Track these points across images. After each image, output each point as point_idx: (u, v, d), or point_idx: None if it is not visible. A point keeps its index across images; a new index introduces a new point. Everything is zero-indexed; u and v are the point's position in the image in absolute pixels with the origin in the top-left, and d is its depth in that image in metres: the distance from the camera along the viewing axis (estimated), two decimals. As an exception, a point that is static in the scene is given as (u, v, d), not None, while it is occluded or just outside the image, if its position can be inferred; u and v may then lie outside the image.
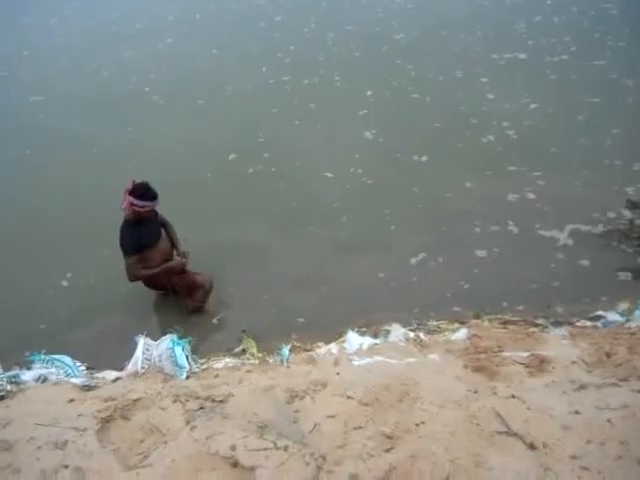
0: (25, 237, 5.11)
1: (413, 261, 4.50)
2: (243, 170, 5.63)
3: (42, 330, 4.23)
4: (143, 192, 3.84)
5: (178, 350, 3.46)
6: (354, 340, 3.58)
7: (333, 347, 3.60)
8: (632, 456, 2.14)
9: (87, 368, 3.72)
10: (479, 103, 6.10)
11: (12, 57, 8.41)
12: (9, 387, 3.27)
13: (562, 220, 4.63)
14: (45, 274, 4.73)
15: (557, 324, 3.69)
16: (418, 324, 3.87)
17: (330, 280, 4.43)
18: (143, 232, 3.95)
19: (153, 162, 5.72)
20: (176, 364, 3.41)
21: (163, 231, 4.21)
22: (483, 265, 4.39)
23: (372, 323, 3.90)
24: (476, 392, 2.71)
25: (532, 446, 2.26)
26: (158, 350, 3.52)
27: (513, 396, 2.63)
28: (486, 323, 3.76)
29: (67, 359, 3.66)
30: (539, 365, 2.99)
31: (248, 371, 3.36)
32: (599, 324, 3.66)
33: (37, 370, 3.53)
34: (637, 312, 3.66)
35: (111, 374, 3.55)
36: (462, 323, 3.78)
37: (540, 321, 3.75)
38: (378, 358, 3.26)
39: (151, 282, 4.23)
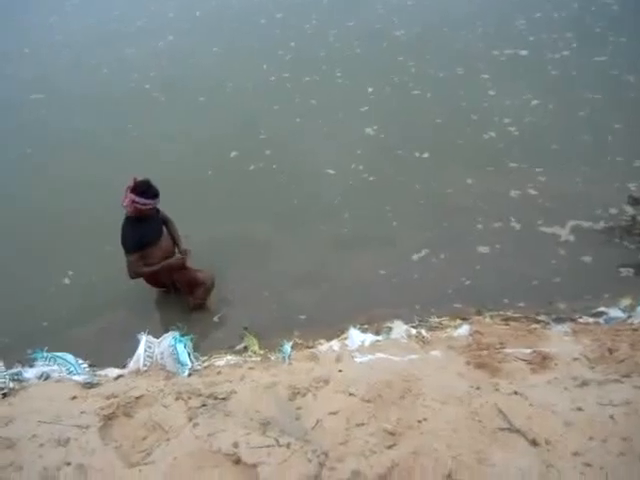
0: (26, 236, 5.11)
1: (415, 257, 4.50)
2: (244, 167, 5.63)
3: (44, 328, 4.24)
4: (145, 190, 3.84)
5: (180, 347, 3.46)
6: (356, 337, 3.58)
7: (335, 344, 3.60)
8: (635, 452, 2.13)
9: (89, 365, 3.71)
10: (480, 99, 6.08)
11: (12, 55, 8.41)
12: (11, 385, 3.26)
13: (564, 216, 4.62)
14: (46, 272, 4.73)
15: (559, 320, 3.68)
16: (420, 321, 3.87)
17: (331, 277, 4.43)
18: (144, 230, 3.95)
19: (154, 159, 5.73)
20: (178, 361, 3.41)
21: (164, 228, 4.21)
22: (485, 261, 4.38)
23: (374, 320, 3.91)
24: (478, 389, 2.71)
25: (534, 442, 2.25)
26: (160, 347, 3.52)
27: (515, 393, 2.62)
28: (488, 319, 3.75)
29: (69, 356, 3.66)
30: (541, 362, 2.98)
31: (250, 368, 3.35)
32: (601, 320, 3.65)
33: (39, 368, 3.53)
34: (639, 308, 3.65)
35: (113, 371, 3.55)
36: (464, 319, 3.78)
37: (542, 317, 3.74)
38: (380, 355, 3.26)
39: (152, 279, 4.23)
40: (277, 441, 2.40)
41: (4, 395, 3.18)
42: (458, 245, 4.52)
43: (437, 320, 3.87)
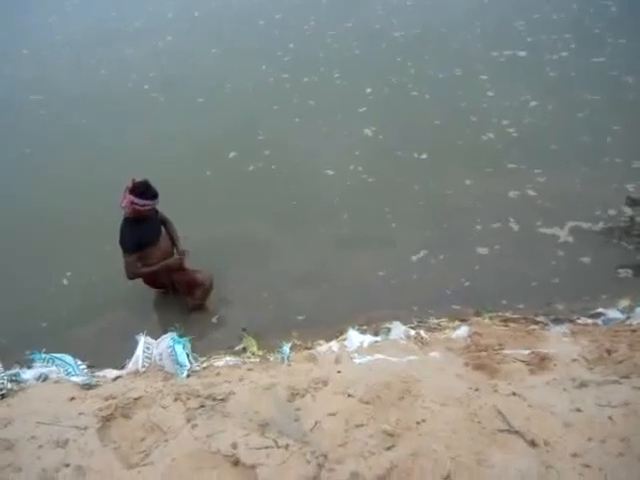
0: (25, 236, 5.11)
1: (414, 258, 4.50)
2: (243, 168, 5.62)
3: (43, 328, 4.23)
4: (143, 190, 3.83)
5: (179, 348, 3.46)
6: (355, 338, 3.58)
7: (334, 345, 3.60)
8: (633, 453, 2.14)
9: (88, 366, 3.72)
10: (479, 100, 6.08)
11: (12, 55, 8.41)
12: (10, 386, 3.26)
13: (562, 217, 4.62)
14: (45, 273, 4.73)
15: (558, 321, 3.68)
16: (419, 322, 3.87)
17: (331, 278, 4.43)
18: (143, 230, 3.95)
19: (153, 160, 5.73)
20: (177, 362, 3.41)
21: (163, 229, 4.21)
22: (484, 262, 4.38)
23: (373, 321, 3.91)
24: (477, 390, 2.71)
25: (533, 444, 2.26)
26: (159, 348, 3.52)
27: (514, 394, 2.62)
28: (487, 321, 3.75)
29: (68, 357, 3.66)
30: (540, 363, 2.99)
31: (249, 369, 3.35)
32: (600, 321, 3.65)
33: (38, 369, 3.53)
34: (638, 309, 3.65)
35: (112, 372, 3.55)
36: (463, 321, 3.78)
37: (541, 318, 3.74)
38: (379, 356, 3.26)
39: (151, 280, 4.22)
40: (276, 442, 2.40)
41: (2, 396, 3.18)
42: (457, 246, 4.53)
43: (436, 321, 3.87)
